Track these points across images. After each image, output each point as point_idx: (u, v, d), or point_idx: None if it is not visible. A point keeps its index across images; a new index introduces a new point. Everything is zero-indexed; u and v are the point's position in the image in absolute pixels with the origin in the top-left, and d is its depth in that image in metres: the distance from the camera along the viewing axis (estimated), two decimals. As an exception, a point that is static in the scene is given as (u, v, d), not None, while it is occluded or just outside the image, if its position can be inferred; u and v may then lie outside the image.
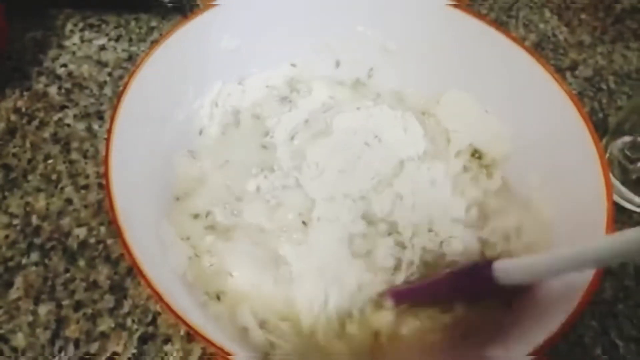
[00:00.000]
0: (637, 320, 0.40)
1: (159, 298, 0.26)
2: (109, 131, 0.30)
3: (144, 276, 0.26)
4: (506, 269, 0.30)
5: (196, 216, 0.37)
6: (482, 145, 0.42)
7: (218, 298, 0.34)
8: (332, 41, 0.44)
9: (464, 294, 0.34)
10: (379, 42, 0.44)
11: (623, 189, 0.45)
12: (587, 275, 0.29)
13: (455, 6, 0.39)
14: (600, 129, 0.49)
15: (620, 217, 0.45)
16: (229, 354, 0.25)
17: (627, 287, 0.42)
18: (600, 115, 0.52)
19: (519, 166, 0.40)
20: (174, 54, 0.36)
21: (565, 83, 0.36)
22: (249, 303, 0.33)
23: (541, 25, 0.59)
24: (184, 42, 0.37)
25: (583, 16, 0.60)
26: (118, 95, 0.33)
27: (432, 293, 0.36)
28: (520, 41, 0.39)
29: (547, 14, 0.60)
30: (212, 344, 0.25)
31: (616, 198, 0.45)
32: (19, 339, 0.37)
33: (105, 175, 0.29)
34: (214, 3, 0.38)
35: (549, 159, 0.37)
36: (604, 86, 0.55)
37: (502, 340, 0.31)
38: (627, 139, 0.46)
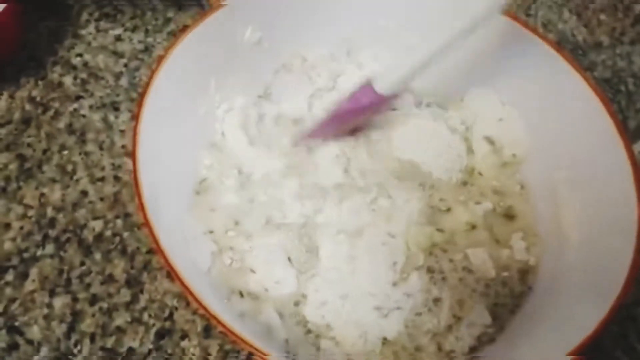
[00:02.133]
0: (657, 325, 0.40)
1: (200, 304, 0.26)
2: (135, 125, 0.30)
3: (179, 278, 0.26)
4: (386, 85, 0.37)
5: (216, 210, 0.37)
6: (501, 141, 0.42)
7: (241, 295, 0.33)
8: (354, 35, 0.44)
9: (363, 111, 0.39)
10: (400, 36, 0.43)
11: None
12: (620, 278, 0.29)
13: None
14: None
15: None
16: (265, 355, 0.25)
17: (647, 291, 0.42)
18: (620, 117, 0.52)
19: (542, 166, 0.39)
20: (197, 47, 0.36)
21: (593, 83, 0.36)
22: (272, 300, 0.33)
23: (560, 25, 0.58)
24: (207, 35, 0.36)
25: (602, 17, 0.60)
26: (143, 89, 0.33)
27: (339, 120, 0.40)
28: (548, 40, 0.38)
29: (566, 14, 0.59)
30: (251, 346, 0.25)
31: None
32: (35, 332, 0.36)
33: (134, 170, 0.28)
34: (224, 2, 0.38)
35: (575, 159, 0.36)
36: (622, 88, 0.54)
37: (532, 343, 0.30)
38: (648, 141, 0.45)
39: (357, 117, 0.40)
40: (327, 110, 0.40)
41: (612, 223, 0.32)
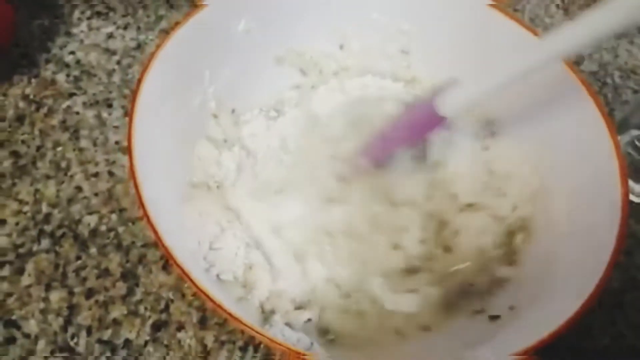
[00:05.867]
0: (644, 310, 0.41)
1: (212, 301, 0.27)
2: (130, 117, 0.30)
3: (184, 271, 0.27)
4: (445, 101, 0.35)
5: (211, 199, 0.37)
6: None
7: (244, 286, 0.34)
8: (347, 28, 0.44)
9: (420, 129, 0.38)
10: (394, 28, 0.44)
11: (630, 182, 0.46)
12: (594, 278, 0.29)
13: (493, 6, 0.39)
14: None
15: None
16: (301, 354, 0.25)
17: (634, 278, 0.42)
18: (606, 109, 0.53)
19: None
20: (190, 40, 0.36)
21: (581, 75, 0.36)
22: (274, 286, 0.34)
23: (547, 20, 0.59)
24: (199, 29, 0.37)
25: (588, 11, 0.61)
26: (137, 82, 0.33)
27: (396, 138, 0.38)
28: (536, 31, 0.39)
29: (553, 8, 0.60)
30: (283, 346, 0.26)
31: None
32: (32, 326, 0.37)
33: (130, 165, 0.28)
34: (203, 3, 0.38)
35: (565, 153, 0.37)
36: (609, 81, 0.55)
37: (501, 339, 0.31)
38: (634, 132, 0.46)
39: (410, 136, 0.38)
40: (379, 128, 0.39)
41: (597, 213, 0.33)
